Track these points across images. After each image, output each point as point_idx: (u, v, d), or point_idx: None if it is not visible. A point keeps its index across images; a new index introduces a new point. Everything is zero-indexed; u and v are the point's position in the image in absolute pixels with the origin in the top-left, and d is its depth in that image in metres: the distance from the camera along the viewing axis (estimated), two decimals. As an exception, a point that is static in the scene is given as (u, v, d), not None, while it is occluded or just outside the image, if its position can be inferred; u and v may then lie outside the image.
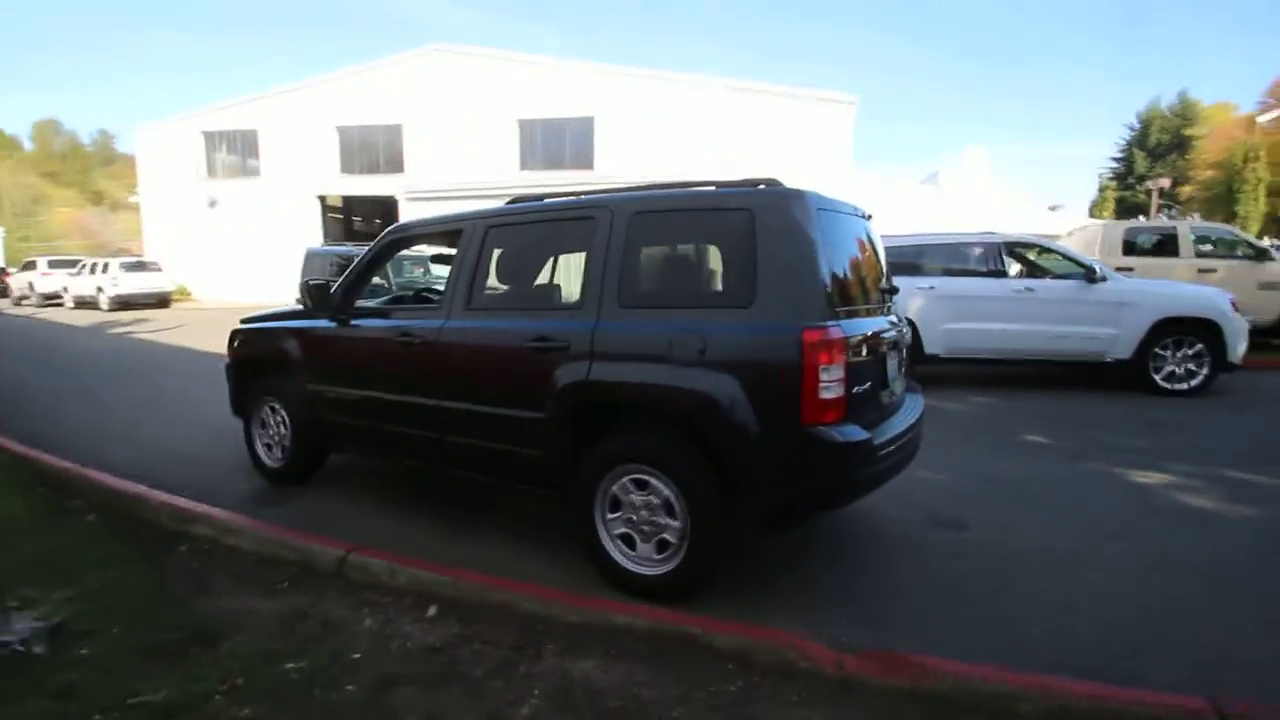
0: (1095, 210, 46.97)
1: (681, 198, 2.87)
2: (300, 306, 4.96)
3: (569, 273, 3.15)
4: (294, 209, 22.12)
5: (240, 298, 21.15)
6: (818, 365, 2.40)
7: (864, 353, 2.68)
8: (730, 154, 18.03)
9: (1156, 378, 7.02)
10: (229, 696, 2.10)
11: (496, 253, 3.36)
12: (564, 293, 3.11)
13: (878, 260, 3.15)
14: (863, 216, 3.14)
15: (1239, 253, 9.66)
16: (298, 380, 4.01)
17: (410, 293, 4.62)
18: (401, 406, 3.52)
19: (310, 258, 13.53)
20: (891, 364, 3.04)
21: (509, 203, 3.49)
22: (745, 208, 2.65)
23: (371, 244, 3.90)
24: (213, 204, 23.16)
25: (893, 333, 3.04)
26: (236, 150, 23.78)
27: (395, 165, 21.42)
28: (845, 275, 2.72)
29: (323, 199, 22.85)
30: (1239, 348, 6.90)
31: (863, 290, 2.91)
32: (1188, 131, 46.49)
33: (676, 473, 2.66)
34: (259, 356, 4.38)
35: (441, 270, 12.77)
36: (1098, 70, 69.71)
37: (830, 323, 2.47)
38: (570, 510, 2.96)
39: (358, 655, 2.34)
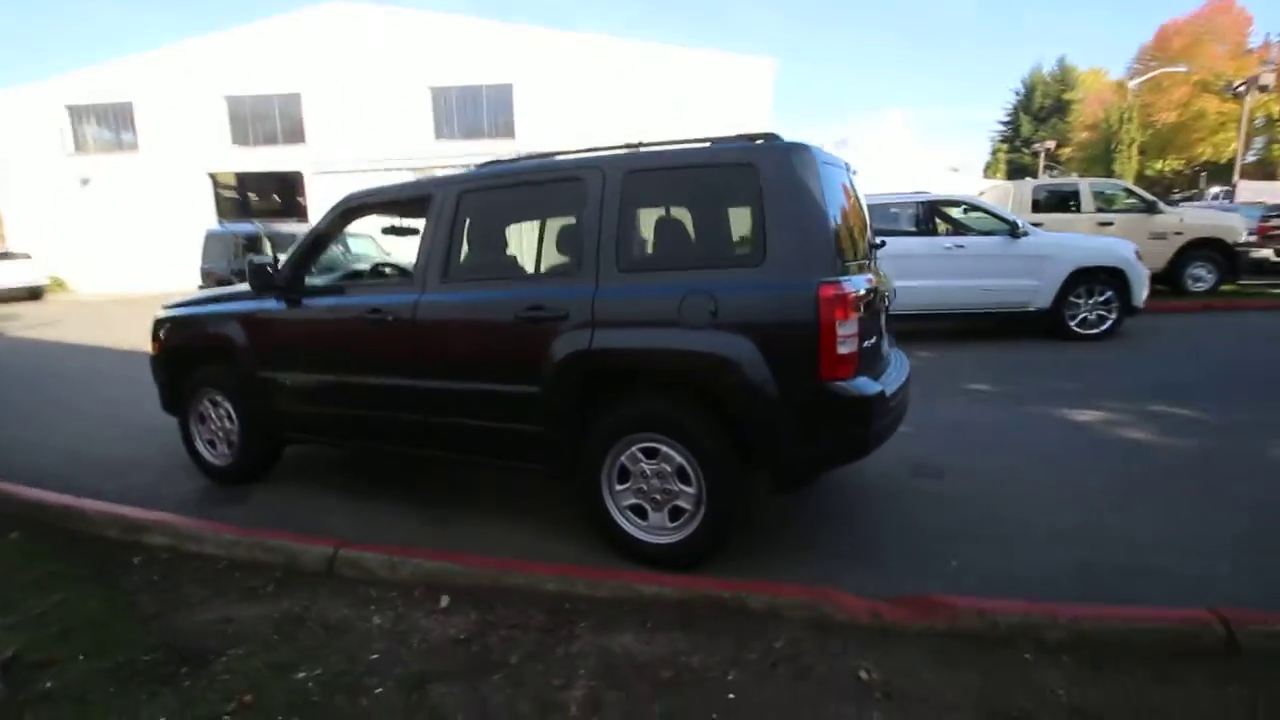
0: (989, 171, 50.10)
1: (677, 155, 2.76)
2: (226, 288, 4.53)
3: (555, 238, 2.99)
4: (181, 187, 20.16)
5: (127, 287, 19.19)
6: (834, 320, 2.39)
7: (865, 307, 2.70)
8: (654, 117, 17.85)
9: (1071, 324, 7.59)
10: (242, 716, 1.90)
11: (472, 220, 3.14)
12: (555, 259, 2.95)
13: (863, 214, 3.17)
14: (848, 169, 3.14)
15: (1131, 206, 10.53)
16: (244, 368, 3.65)
17: (365, 268, 4.26)
18: (374, 389, 3.27)
19: (211, 239, 12.48)
20: (881, 319, 3.09)
21: (480, 166, 3.26)
22: (748, 163, 2.58)
23: (322, 217, 3.56)
24: (85, 183, 20.71)
25: (881, 287, 3.08)
26: (109, 123, 21.28)
27: (295, 136, 19.83)
28: (844, 229, 2.72)
29: (214, 175, 20.92)
30: (1142, 294, 7.56)
31: (854, 245, 2.92)
32: (1066, 96, 50.13)
33: (690, 438, 2.61)
34: (193, 345, 3.95)
35: (362, 247, 12.05)
36: (993, 35, 73.73)
37: (842, 278, 2.46)
38: (571, 484, 2.85)
39: (376, 656, 2.17)
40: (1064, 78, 50.78)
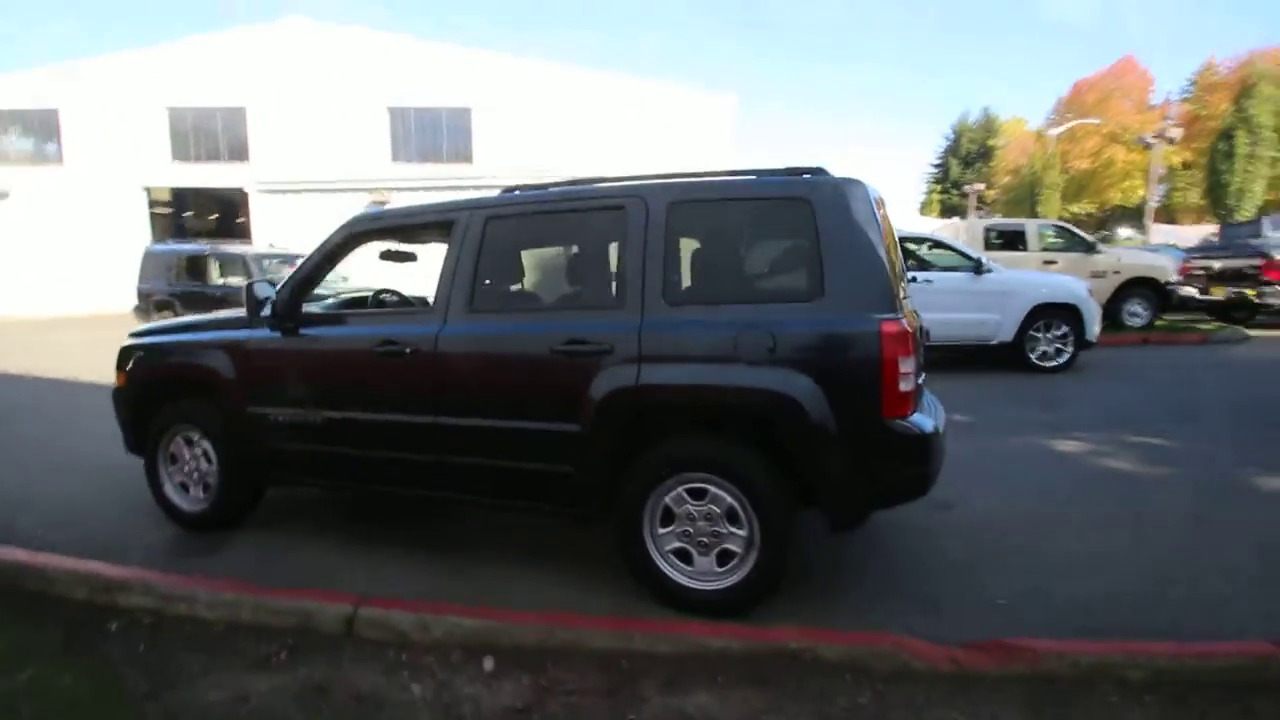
0: (924, 210, 52.86)
1: (725, 187, 2.70)
2: (197, 316, 4.20)
3: (593, 268, 2.86)
4: (112, 203, 18.89)
5: (50, 309, 17.70)
6: (897, 357, 2.36)
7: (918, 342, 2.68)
8: (616, 148, 17.99)
9: (1032, 356, 7.93)
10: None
11: (500, 247, 2.98)
12: (594, 290, 2.82)
13: (897, 248, 3.19)
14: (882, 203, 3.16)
15: (1072, 245, 11.19)
16: (231, 404, 3.33)
17: (365, 295, 4.00)
18: (386, 427, 3.03)
19: (150, 259, 11.71)
20: (921, 355, 3.08)
21: (504, 191, 3.12)
22: (801, 197, 2.54)
23: (324, 240, 3.32)
24: (3, 196, 19.14)
25: (919, 322, 3.08)
26: (32, 131, 19.82)
27: (239, 153, 18.99)
28: (894, 265, 2.71)
29: (149, 191, 19.74)
30: (1094, 328, 7.98)
31: (898, 279, 2.92)
32: (990, 142, 53.72)
33: (742, 478, 2.50)
34: (167, 378, 3.60)
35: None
36: (924, 79, 78.57)
37: (899, 314, 2.43)
38: (601, 527, 2.70)
39: (425, 731, 1.94)
40: (988, 125, 54.44)
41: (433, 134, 19.09)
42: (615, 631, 2.31)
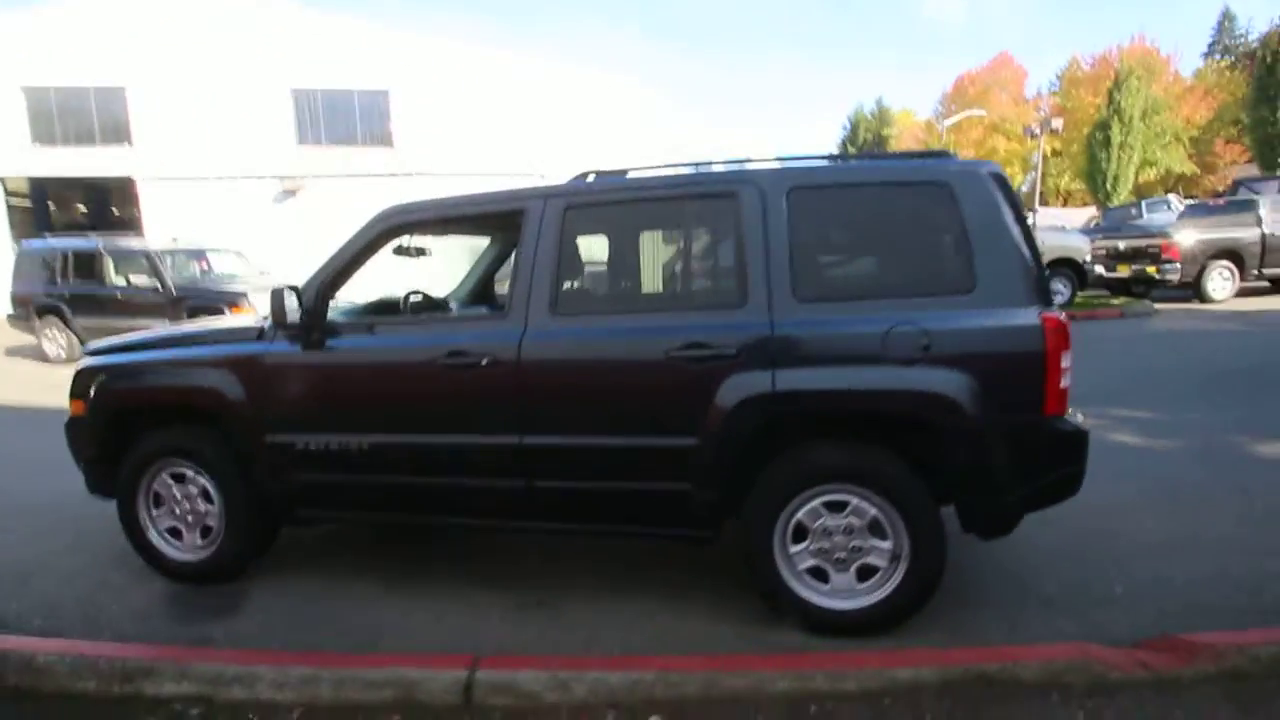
0: (831, 197, 55.10)
1: (851, 171, 2.48)
2: (178, 327, 3.55)
3: (703, 262, 2.56)
4: (-49, 193, 16.17)
5: None
6: (1060, 352, 2.23)
7: None
8: (543, 135, 17.33)
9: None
10: None
11: (585, 241, 2.62)
12: (707, 287, 2.51)
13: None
14: None
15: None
16: (243, 431, 2.77)
17: (391, 300, 3.43)
18: (455, 451, 2.60)
19: (25, 258, 10.12)
20: None
21: (577, 178, 2.74)
22: (941, 182, 2.35)
23: (354, 236, 2.80)
24: None
25: None
26: None
27: (119, 136, 16.68)
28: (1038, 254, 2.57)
29: (3, 181, 17.04)
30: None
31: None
32: (885, 132, 56.75)
33: (890, 487, 2.31)
34: (149, 403, 2.97)
35: (228, 266, 10.33)
36: (823, 71, 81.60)
37: (1055, 306, 2.31)
38: (720, 550, 2.43)
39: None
40: (882, 117, 57.43)
41: (345, 117, 17.55)
42: (791, 671, 2.06)
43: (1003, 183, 2.36)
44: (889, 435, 2.38)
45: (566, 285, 2.58)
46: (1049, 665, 2.05)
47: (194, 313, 8.98)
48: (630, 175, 2.70)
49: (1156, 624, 2.44)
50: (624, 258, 2.74)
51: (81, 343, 9.55)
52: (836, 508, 2.38)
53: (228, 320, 3.49)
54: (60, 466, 4.69)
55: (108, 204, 19.74)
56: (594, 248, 2.71)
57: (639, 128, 19.00)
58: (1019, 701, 1.98)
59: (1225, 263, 11.48)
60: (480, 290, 4.10)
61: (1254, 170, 26.46)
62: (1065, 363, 2.26)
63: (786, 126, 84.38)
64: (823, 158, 2.52)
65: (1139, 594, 2.68)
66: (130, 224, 16.95)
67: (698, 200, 2.53)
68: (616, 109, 18.95)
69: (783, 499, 2.38)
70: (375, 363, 2.70)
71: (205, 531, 2.97)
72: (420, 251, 3.50)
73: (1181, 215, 13.32)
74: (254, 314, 8.71)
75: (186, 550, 2.99)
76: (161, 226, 13.33)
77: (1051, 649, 2.17)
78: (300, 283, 2.76)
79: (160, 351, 3.02)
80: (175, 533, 3.01)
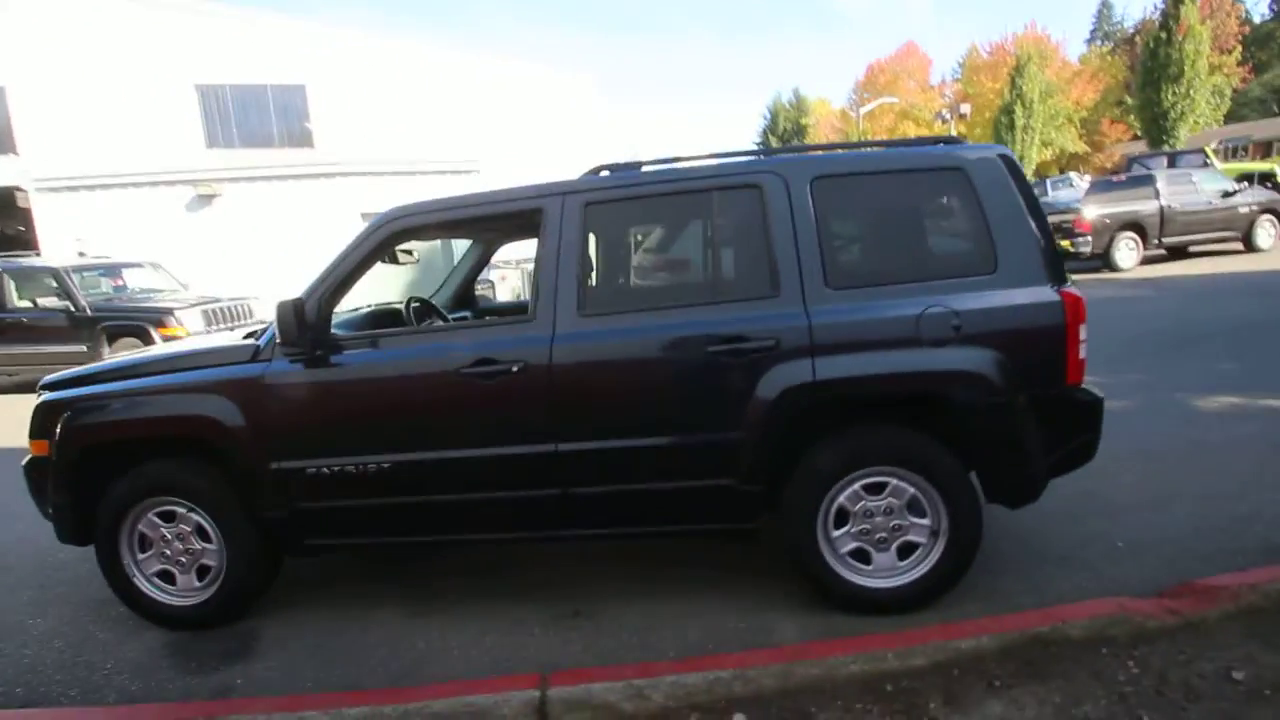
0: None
1: (869, 159, 2.52)
2: (146, 351, 3.27)
3: (730, 254, 2.54)
4: None
5: None
6: (1078, 325, 2.36)
7: None
8: (476, 128, 16.88)
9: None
10: None
11: (606, 237, 2.56)
12: (737, 279, 2.49)
13: None
14: None
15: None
16: (245, 460, 2.57)
17: (391, 309, 3.21)
18: (486, 464, 2.50)
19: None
20: None
21: (590, 173, 2.67)
22: (956, 167, 2.43)
23: (353, 242, 2.63)
24: None
25: None
26: None
27: (1, 144, 15.03)
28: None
29: None
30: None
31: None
32: (803, 121, 58.46)
33: (929, 466, 2.38)
34: (129, 437, 2.70)
35: (146, 280, 9.56)
36: (741, 59, 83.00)
37: (1070, 281, 2.43)
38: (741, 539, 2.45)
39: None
40: (799, 106, 59.10)
41: (259, 115, 16.46)
42: (861, 654, 2.09)
43: (1013, 165, 2.46)
44: (917, 415, 2.45)
45: (592, 284, 2.51)
46: (1093, 622, 2.17)
47: (114, 336, 8.28)
48: (645, 169, 2.66)
49: (1165, 572, 2.63)
50: (647, 253, 2.70)
51: (-18, 375, 8.64)
52: (875, 489, 2.44)
53: (208, 341, 3.22)
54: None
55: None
56: (617, 244, 2.65)
57: (570, 116, 18.75)
58: (1073, 658, 2.08)
59: (1130, 234, 12.46)
60: (461, 294, 3.95)
61: (1136, 147, 28.92)
62: (1083, 334, 2.38)
63: (708, 116, 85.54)
64: (827, 146, 2.55)
65: (1140, 547, 2.87)
66: (16, 240, 15.35)
67: (721, 192, 2.51)
68: (546, 98, 18.64)
69: (825, 485, 2.41)
70: (392, 376, 2.55)
71: (203, 572, 2.74)
72: (406, 254, 3.34)
73: (1087, 192, 14.36)
74: (185, 333, 8.12)
75: (183, 594, 2.75)
76: (58, 240, 12.15)
77: (1092, 606, 2.30)
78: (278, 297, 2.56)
79: (133, 381, 2.75)
80: (167, 576, 2.76)
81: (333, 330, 2.66)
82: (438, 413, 2.53)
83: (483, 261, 3.97)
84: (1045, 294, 2.35)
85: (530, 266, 12.24)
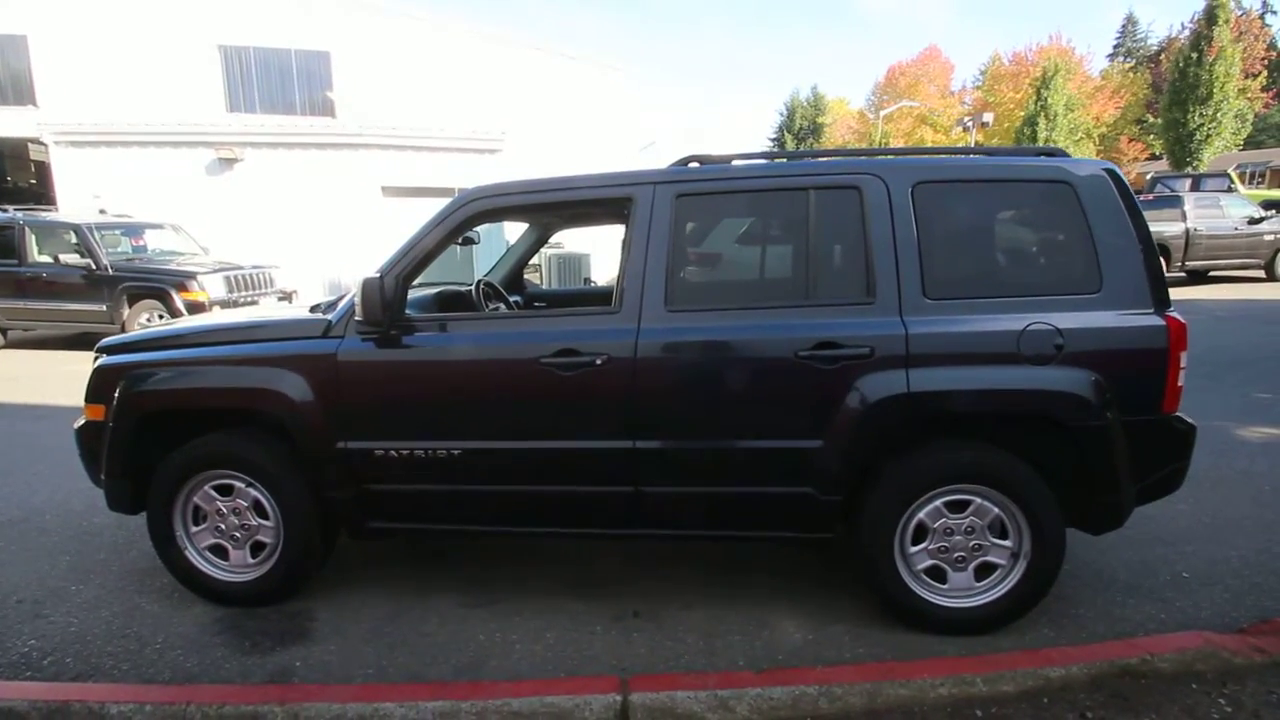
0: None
1: (973, 167, 2.45)
2: (206, 319, 3.20)
3: (825, 256, 2.46)
4: None
5: None
6: (1180, 352, 2.29)
7: None
8: (494, 107, 16.65)
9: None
10: None
11: (696, 231, 2.49)
12: (831, 283, 2.42)
13: None
14: None
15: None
16: (311, 437, 2.50)
17: (459, 291, 3.14)
18: (560, 457, 2.44)
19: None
20: None
21: (677, 164, 2.59)
22: (1063, 180, 2.35)
23: (433, 219, 2.55)
24: None
25: None
26: None
27: (21, 94, 14.81)
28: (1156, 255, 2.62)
29: None
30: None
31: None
32: (820, 120, 58.09)
33: (1016, 487, 2.32)
34: (191, 406, 2.63)
35: (168, 241, 9.44)
36: (761, 55, 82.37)
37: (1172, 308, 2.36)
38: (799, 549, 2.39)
39: None
40: (817, 104, 58.67)
41: (280, 80, 16.22)
42: (951, 677, 2.05)
43: (1120, 182, 2.39)
44: (1006, 433, 2.39)
45: (679, 279, 2.44)
46: (1181, 656, 2.13)
47: (134, 297, 8.18)
48: (735, 163, 2.59)
49: (1235, 606, 2.60)
50: (738, 250, 2.63)
51: (0, 329, 8.54)
52: (957, 507, 2.38)
53: (276, 312, 3.15)
54: (21, 468, 4.20)
55: (2, 171, 17.64)
56: (708, 239, 2.57)
57: (596, 104, 18.54)
58: (1163, 692, 2.04)
59: (1155, 256, 12.38)
60: (513, 278, 3.88)
61: (1154, 167, 28.75)
62: (1184, 362, 2.32)
63: (723, 109, 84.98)
64: (922, 150, 2.46)
65: (1207, 578, 2.83)
66: (28, 193, 15.15)
67: (818, 192, 2.43)
68: (572, 84, 18.41)
69: (908, 500, 2.36)
70: (468, 360, 2.48)
71: (257, 549, 2.68)
72: (469, 241, 3.26)
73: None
74: (206, 298, 8.02)
75: (235, 570, 2.70)
76: (76, 196, 11.98)
77: (1177, 639, 2.26)
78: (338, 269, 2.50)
79: (196, 349, 2.68)
80: (219, 550, 2.71)
81: (405, 311, 2.59)
82: (514, 401, 2.46)
83: (537, 246, 3.90)
84: (1150, 318, 2.29)
85: (554, 252, 12.17)
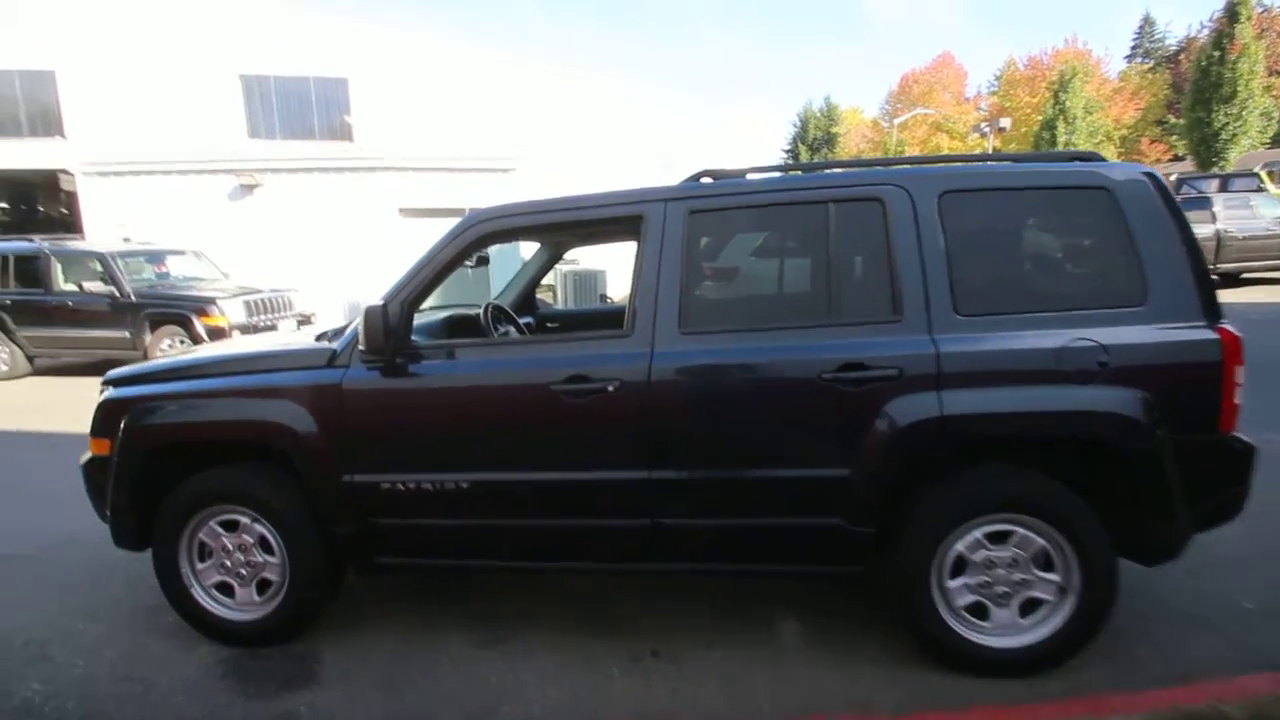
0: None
1: (1004, 175, 2.31)
2: (212, 350, 3.16)
3: (847, 273, 2.33)
4: None
5: None
6: (1235, 367, 2.13)
7: None
8: (508, 128, 16.79)
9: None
10: None
11: (710, 249, 2.38)
12: (854, 301, 2.29)
13: None
14: None
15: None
16: (316, 470, 2.42)
17: (468, 315, 3.07)
18: (573, 488, 2.34)
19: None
20: None
21: (690, 179, 2.49)
22: (1101, 187, 2.21)
23: (439, 243, 2.48)
24: None
25: None
26: None
27: (49, 127, 15.26)
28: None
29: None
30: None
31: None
32: (834, 130, 57.95)
33: (1062, 516, 2.16)
34: (196, 440, 2.57)
35: (189, 268, 9.56)
36: (775, 66, 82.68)
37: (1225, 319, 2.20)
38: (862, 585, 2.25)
39: None
40: (831, 114, 58.57)
41: (300, 107, 16.56)
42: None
43: (1162, 186, 2.24)
44: (1049, 458, 2.24)
45: (694, 300, 2.33)
46: (1254, 703, 1.95)
47: (156, 322, 8.26)
48: (749, 177, 2.48)
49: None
50: (755, 267, 2.51)
51: (27, 356, 8.67)
52: (999, 538, 2.23)
53: (281, 342, 3.09)
54: (31, 501, 4.18)
55: (33, 201, 18.14)
56: (723, 257, 2.47)
57: (611, 118, 18.63)
58: (1237, 744, 1.87)
59: (1185, 258, 12.02)
60: (524, 299, 3.80)
61: (1177, 169, 28.10)
62: (1240, 378, 2.15)
63: (735, 121, 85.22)
64: (950, 158, 2.33)
65: (1270, 608, 2.63)
66: (59, 223, 15.54)
67: (837, 205, 2.31)
68: (584, 102, 18.55)
69: (943, 531, 2.21)
70: (477, 388, 2.39)
71: (263, 586, 2.60)
72: (481, 261, 3.19)
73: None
74: (226, 322, 8.08)
75: (241, 608, 2.62)
76: (102, 225, 12.25)
77: (1246, 682, 2.08)
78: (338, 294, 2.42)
79: (201, 381, 2.62)
80: (225, 588, 2.63)
81: (412, 337, 2.51)
82: (524, 430, 2.36)
83: (549, 265, 3.82)
84: (1201, 330, 2.13)
85: (569, 268, 12.12)
